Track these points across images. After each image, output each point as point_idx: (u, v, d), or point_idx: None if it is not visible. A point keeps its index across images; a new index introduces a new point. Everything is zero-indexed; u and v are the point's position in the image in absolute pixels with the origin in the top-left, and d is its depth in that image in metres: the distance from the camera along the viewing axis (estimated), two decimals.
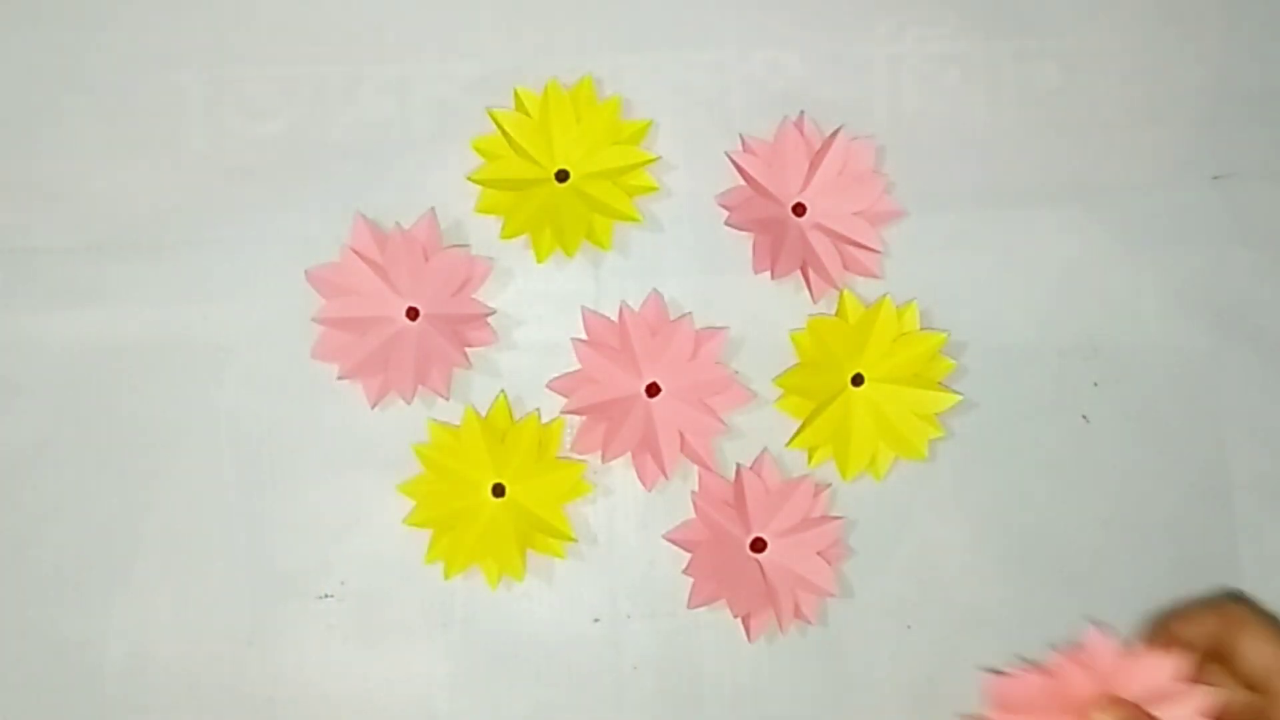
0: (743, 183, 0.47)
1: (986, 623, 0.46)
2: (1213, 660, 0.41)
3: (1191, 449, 0.47)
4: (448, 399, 0.46)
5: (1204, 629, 0.42)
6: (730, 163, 0.47)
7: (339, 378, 0.45)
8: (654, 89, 0.48)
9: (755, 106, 0.47)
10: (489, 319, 0.46)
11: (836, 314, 0.46)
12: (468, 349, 0.46)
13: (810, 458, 0.45)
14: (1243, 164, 0.48)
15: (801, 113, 0.47)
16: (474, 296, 0.46)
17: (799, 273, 0.46)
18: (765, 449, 0.46)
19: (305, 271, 0.45)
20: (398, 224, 0.46)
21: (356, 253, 0.45)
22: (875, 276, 0.47)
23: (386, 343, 0.45)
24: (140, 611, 0.45)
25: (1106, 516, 0.46)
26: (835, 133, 0.47)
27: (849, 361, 0.46)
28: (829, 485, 0.46)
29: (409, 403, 0.45)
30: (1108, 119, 0.49)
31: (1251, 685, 0.41)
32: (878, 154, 0.47)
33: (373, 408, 0.45)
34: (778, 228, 0.46)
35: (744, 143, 0.47)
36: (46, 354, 0.46)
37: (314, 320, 0.45)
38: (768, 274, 0.46)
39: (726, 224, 0.46)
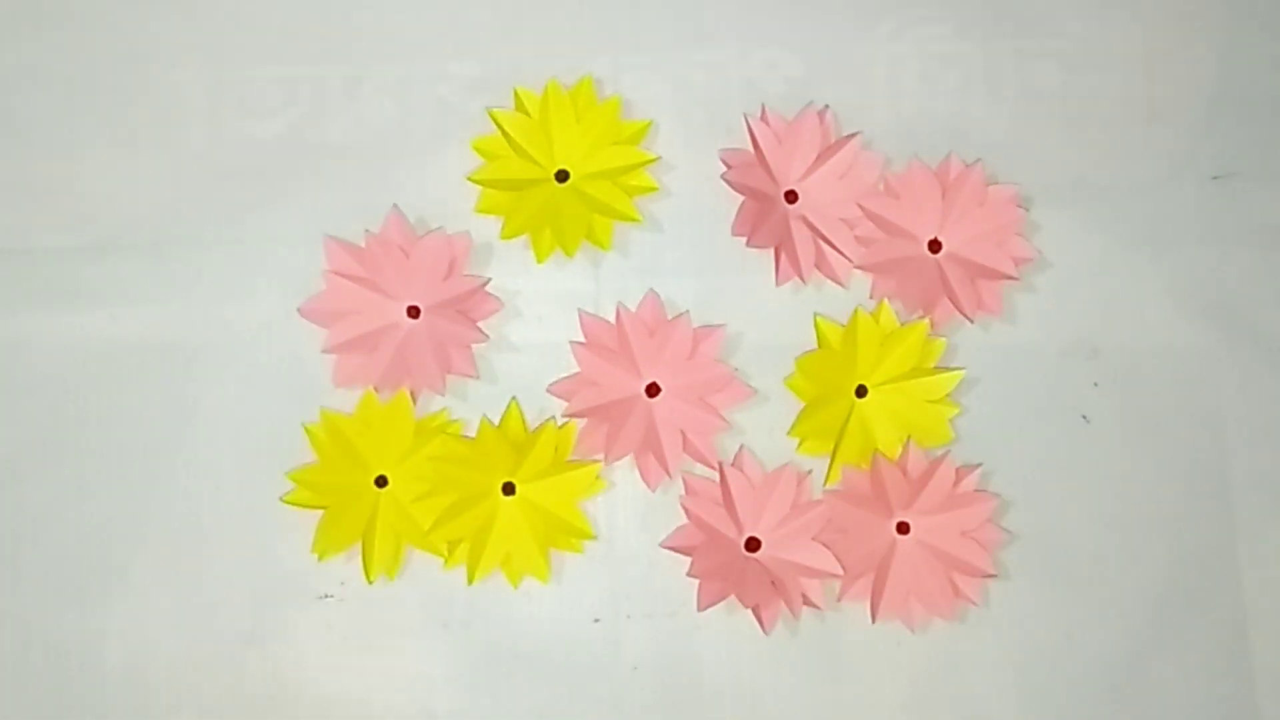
0: (750, 147, 0.47)
1: (986, 622, 0.46)
2: None
3: (1191, 449, 0.47)
4: (477, 377, 0.46)
5: None
6: (745, 124, 0.47)
7: (376, 389, 0.45)
8: (654, 89, 0.48)
9: (755, 106, 0.47)
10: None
11: (818, 344, 0.46)
12: (480, 323, 0.46)
13: (830, 474, 0.46)
14: (1243, 164, 0.48)
15: (826, 106, 0.47)
16: (465, 274, 0.46)
17: (784, 262, 0.46)
18: (742, 445, 0.46)
19: (299, 309, 0.45)
20: (366, 230, 0.46)
21: (338, 274, 0.45)
22: (840, 284, 0.47)
23: (400, 348, 0.45)
24: (140, 612, 0.45)
25: (1106, 516, 0.46)
26: (851, 136, 0.47)
27: (847, 380, 0.46)
28: (809, 472, 0.46)
29: (442, 394, 0.45)
30: (1108, 119, 0.49)
31: None
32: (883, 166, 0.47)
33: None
34: (766, 202, 0.46)
35: (764, 112, 0.47)
36: (46, 354, 0.46)
37: (324, 352, 0.45)
38: (768, 273, 0.46)
39: (722, 178, 0.46)
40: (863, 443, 0.46)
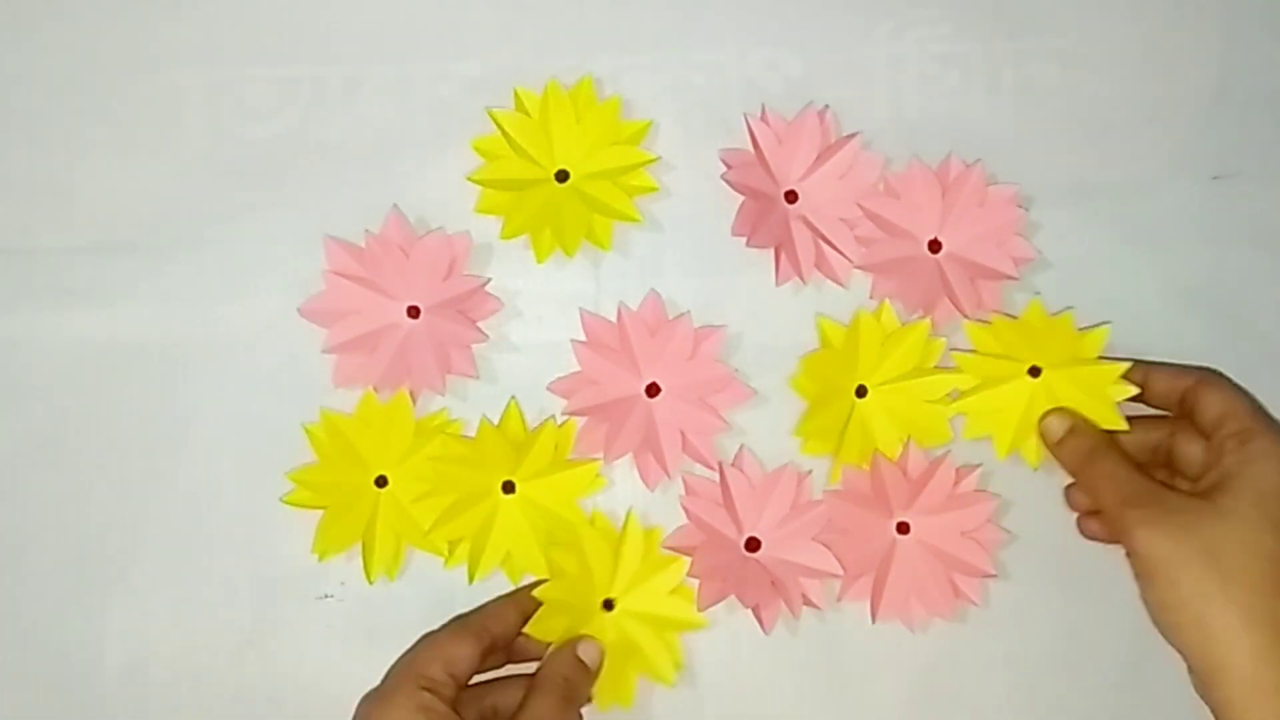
0: (750, 147, 0.47)
1: (986, 622, 0.46)
2: (1180, 415, 0.44)
3: None
4: (477, 377, 0.46)
5: (1177, 384, 0.44)
6: (745, 123, 0.47)
7: (376, 389, 0.45)
8: (654, 89, 0.48)
9: (755, 106, 0.47)
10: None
11: (821, 344, 0.46)
12: (480, 323, 0.46)
13: (831, 475, 0.46)
14: (1243, 164, 0.48)
15: (826, 106, 0.47)
16: (465, 274, 0.46)
17: (784, 262, 0.46)
18: (742, 445, 0.46)
19: (299, 309, 0.45)
20: (366, 230, 0.46)
21: (337, 274, 0.45)
22: (840, 284, 0.47)
23: (400, 348, 0.45)
24: (140, 612, 0.45)
25: None
26: (851, 136, 0.47)
27: (848, 381, 0.46)
28: (809, 472, 0.46)
29: (442, 394, 0.45)
30: (1108, 119, 0.49)
31: (1206, 434, 0.42)
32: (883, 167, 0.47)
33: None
34: (766, 202, 0.46)
35: (764, 112, 0.47)
36: (46, 354, 0.46)
37: (324, 352, 0.45)
38: (768, 273, 0.46)
39: (722, 178, 0.46)
40: (863, 443, 0.46)
